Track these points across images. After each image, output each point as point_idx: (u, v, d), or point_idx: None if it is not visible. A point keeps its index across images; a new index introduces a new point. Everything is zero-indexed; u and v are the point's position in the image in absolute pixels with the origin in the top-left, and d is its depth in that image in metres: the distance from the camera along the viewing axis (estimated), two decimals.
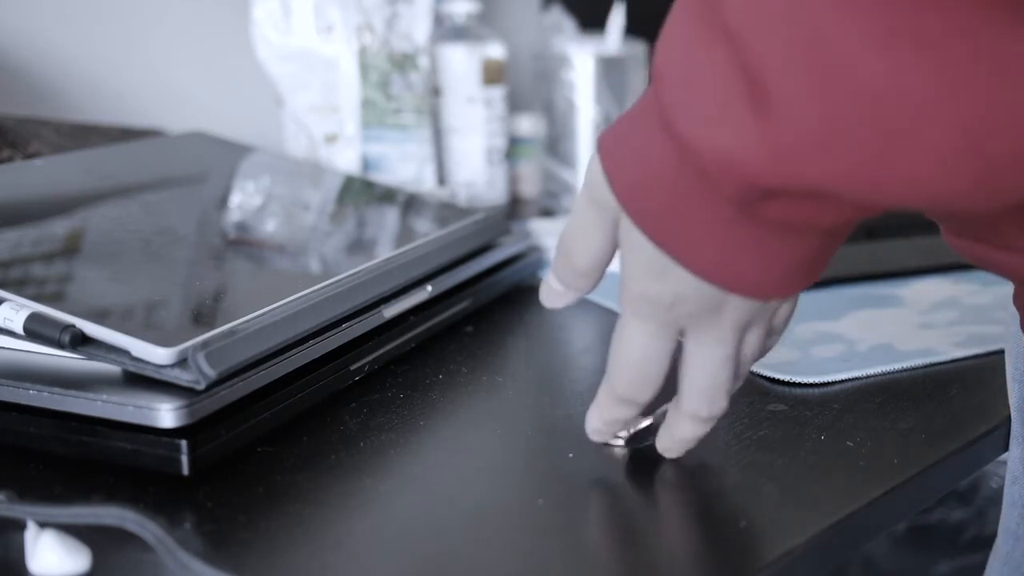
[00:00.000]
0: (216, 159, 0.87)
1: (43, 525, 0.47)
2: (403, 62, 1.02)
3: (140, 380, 0.54)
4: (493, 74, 1.10)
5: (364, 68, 1.00)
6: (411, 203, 0.87)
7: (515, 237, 0.83)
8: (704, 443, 0.57)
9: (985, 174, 0.37)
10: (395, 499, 0.53)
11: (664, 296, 0.46)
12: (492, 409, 0.64)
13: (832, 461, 0.55)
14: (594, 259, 0.50)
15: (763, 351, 0.52)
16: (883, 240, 0.90)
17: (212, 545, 0.48)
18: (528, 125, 1.18)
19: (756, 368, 0.66)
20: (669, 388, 0.50)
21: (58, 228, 0.67)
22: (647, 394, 0.50)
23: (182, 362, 0.53)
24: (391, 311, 0.67)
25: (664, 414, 0.53)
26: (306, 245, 0.77)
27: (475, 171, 1.10)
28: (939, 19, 0.35)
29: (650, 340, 0.48)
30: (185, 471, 0.52)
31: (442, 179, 1.08)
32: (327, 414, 0.60)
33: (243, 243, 0.75)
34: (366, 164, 1.02)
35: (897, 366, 0.67)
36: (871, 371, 0.66)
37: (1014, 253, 0.49)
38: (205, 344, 0.54)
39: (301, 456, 0.56)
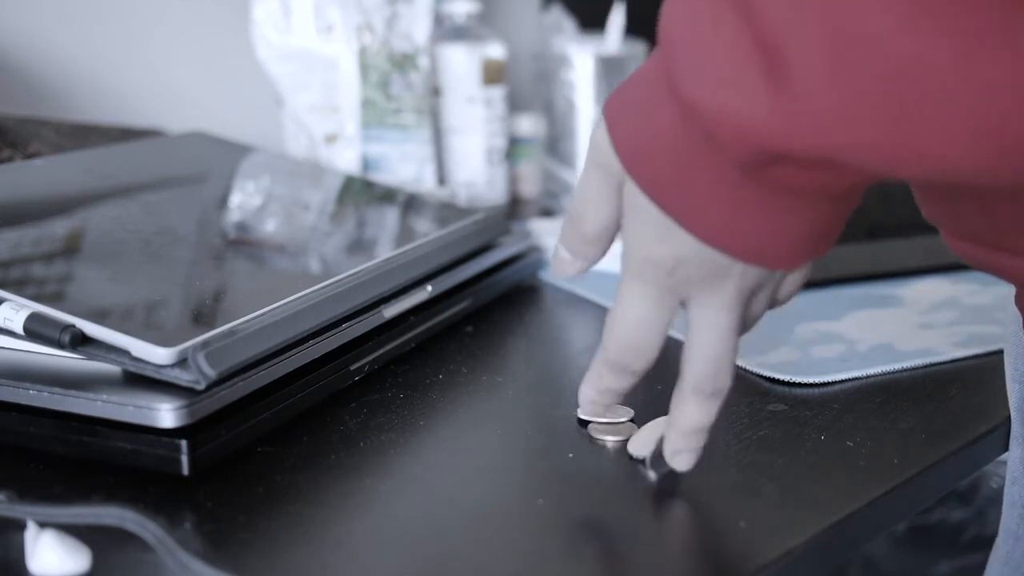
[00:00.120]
0: (216, 159, 0.87)
1: (43, 525, 0.47)
2: (403, 62, 1.02)
3: (140, 380, 0.54)
4: (493, 74, 1.10)
5: (364, 68, 1.00)
6: (411, 203, 0.87)
7: (515, 237, 0.83)
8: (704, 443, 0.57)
9: (1010, 148, 0.37)
10: (395, 499, 0.53)
11: (666, 260, 0.46)
12: (492, 409, 0.64)
13: (832, 461, 0.55)
14: (601, 225, 0.49)
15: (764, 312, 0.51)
16: (883, 240, 0.90)
17: (212, 545, 0.48)
18: (528, 125, 1.18)
19: (756, 368, 0.66)
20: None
21: (58, 228, 0.67)
22: (640, 363, 0.49)
23: (182, 362, 0.53)
24: (391, 311, 0.67)
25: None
26: (306, 245, 0.77)
27: (475, 171, 1.10)
28: None
29: (648, 305, 0.47)
30: (185, 471, 0.52)
31: (442, 179, 1.08)
32: (327, 414, 0.60)
33: (243, 243, 0.74)
34: (366, 164, 1.02)
35: (897, 366, 0.67)
36: (871, 371, 0.66)
37: (1016, 256, 0.49)
38: (205, 344, 0.54)
39: (301, 456, 0.56)
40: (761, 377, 0.66)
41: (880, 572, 1.00)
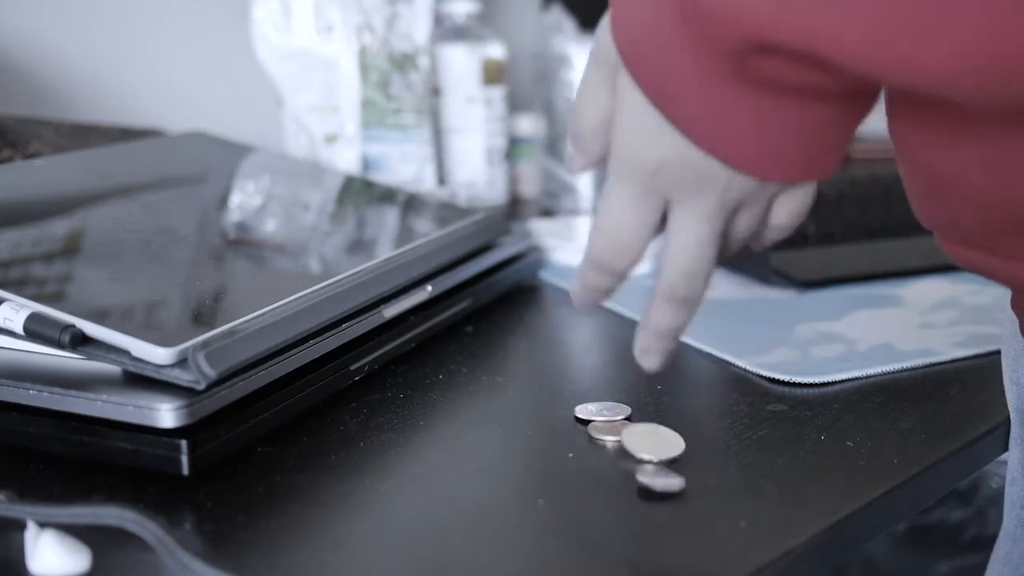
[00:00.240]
0: (216, 159, 0.87)
1: (43, 525, 0.47)
2: (403, 62, 1.02)
3: (140, 380, 0.54)
4: (493, 74, 1.10)
5: (364, 68, 1.00)
6: (411, 203, 0.87)
7: (515, 237, 0.83)
8: (704, 443, 0.57)
9: (999, 63, 0.36)
10: (395, 499, 0.53)
11: (652, 161, 0.45)
12: (492, 409, 0.64)
13: (832, 461, 0.55)
14: (599, 118, 0.48)
15: (762, 242, 0.50)
16: (883, 240, 0.90)
17: (212, 545, 0.48)
18: (528, 125, 1.18)
19: (756, 368, 0.66)
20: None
21: (58, 228, 0.67)
22: (621, 263, 0.48)
23: (182, 362, 0.53)
24: (391, 311, 0.67)
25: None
26: (306, 245, 0.77)
27: (475, 171, 1.10)
28: None
29: (631, 206, 0.47)
30: (185, 471, 0.52)
31: (442, 179, 1.08)
32: (327, 414, 0.60)
33: (243, 243, 0.74)
34: (366, 164, 1.02)
35: (897, 366, 0.67)
36: (871, 371, 0.66)
37: (1011, 260, 0.48)
38: (205, 344, 0.54)
39: (301, 456, 0.56)
40: (761, 377, 0.66)
41: (880, 572, 1.00)
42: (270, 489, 0.53)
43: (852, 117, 0.45)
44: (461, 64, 1.08)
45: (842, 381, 0.65)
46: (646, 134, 0.45)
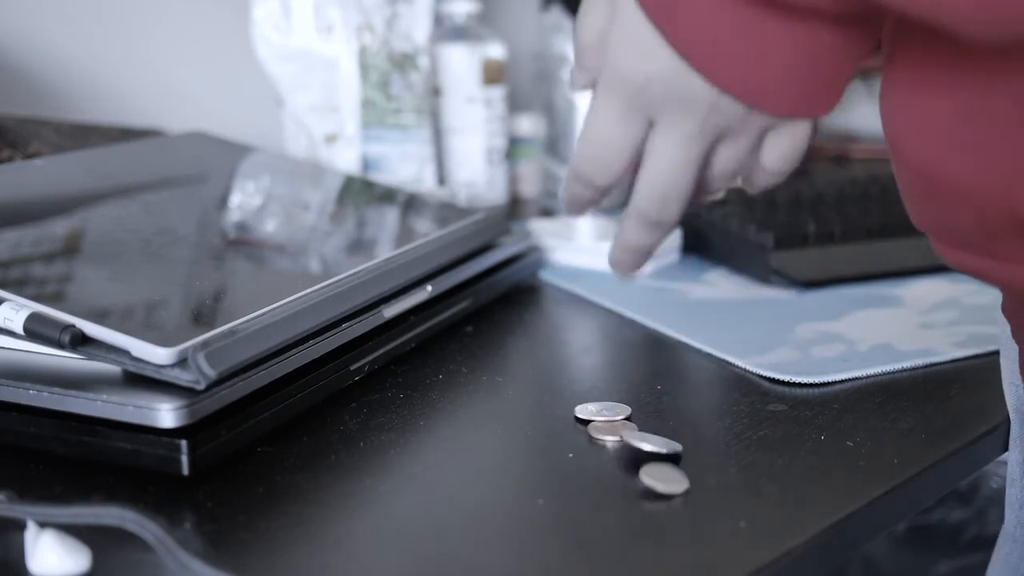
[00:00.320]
0: (216, 159, 0.87)
1: (43, 525, 0.47)
2: (403, 62, 1.02)
3: (140, 380, 0.54)
4: (493, 74, 1.10)
5: (364, 68, 1.00)
6: (411, 203, 0.87)
7: (515, 237, 0.83)
8: (704, 443, 0.57)
9: None
10: (395, 499, 0.53)
11: (638, 76, 0.45)
12: (492, 409, 0.64)
13: (832, 461, 0.55)
14: (594, 34, 0.47)
15: (754, 184, 0.50)
16: (883, 240, 0.90)
17: (212, 545, 0.48)
18: (528, 125, 1.18)
19: (756, 368, 0.66)
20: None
21: (58, 228, 0.67)
22: (601, 178, 0.48)
23: (182, 362, 0.53)
24: (391, 311, 0.67)
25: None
26: (306, 245, 0.77)
27: (475, 171, 1.10)
28: None
29: (614, 120, 0.47)
30: (185, 471, 0.52)
31: (442, 179, 1.08)
32: (327, 414, 0.60)
33: (243, 243, 0.75)
34: (366, 164, 1.02)
35: (897, 366, 0.67)
36: (871, 371, 0.66)
37: (1006, 262, 0.48)
38: (205, 344, 0.54)
39: (301, 456, 0.56)
40: (761, 377, 0.66)
41: (880, 572, 1.00)
42: (270, 489, 0.53)
43: (847, 52, 0.44)
44: (461, 64, 1.08)
45: (842, 381, 0.65)
46: (636, 49, 0.45)
